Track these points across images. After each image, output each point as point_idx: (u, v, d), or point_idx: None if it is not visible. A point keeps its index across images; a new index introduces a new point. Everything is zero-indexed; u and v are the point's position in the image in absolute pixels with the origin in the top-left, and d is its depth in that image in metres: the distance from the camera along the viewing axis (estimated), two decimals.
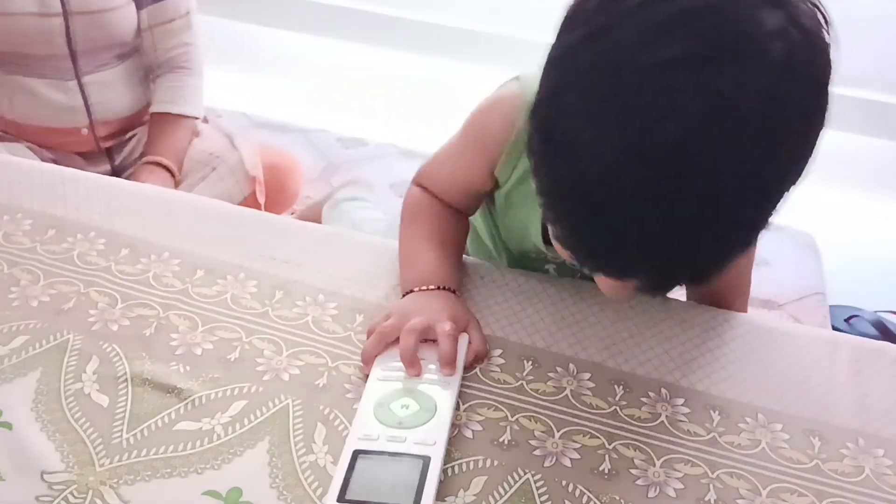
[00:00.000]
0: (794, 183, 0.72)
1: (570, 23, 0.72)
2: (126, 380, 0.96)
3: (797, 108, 0.68)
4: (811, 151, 0.71)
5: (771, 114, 0.65)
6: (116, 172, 1.82)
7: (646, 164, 0.65)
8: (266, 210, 1.80)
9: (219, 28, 2.94)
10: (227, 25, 2.97)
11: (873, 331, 1.85)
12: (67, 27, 1.65)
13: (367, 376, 0.95)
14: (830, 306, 1.97)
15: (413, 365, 0.94)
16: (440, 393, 0.93)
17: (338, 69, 2.82)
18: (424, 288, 1.03)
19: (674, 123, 0.64)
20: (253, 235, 1.19)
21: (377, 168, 2.25)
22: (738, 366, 1.03)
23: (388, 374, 0.95)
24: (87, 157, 1.79)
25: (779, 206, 0.72)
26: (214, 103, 2.48)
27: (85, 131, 1.77)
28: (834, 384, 1.02)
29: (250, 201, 1.77)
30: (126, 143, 1.85)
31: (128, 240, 1.16)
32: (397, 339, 0.97)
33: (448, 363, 0.95)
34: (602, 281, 0.83)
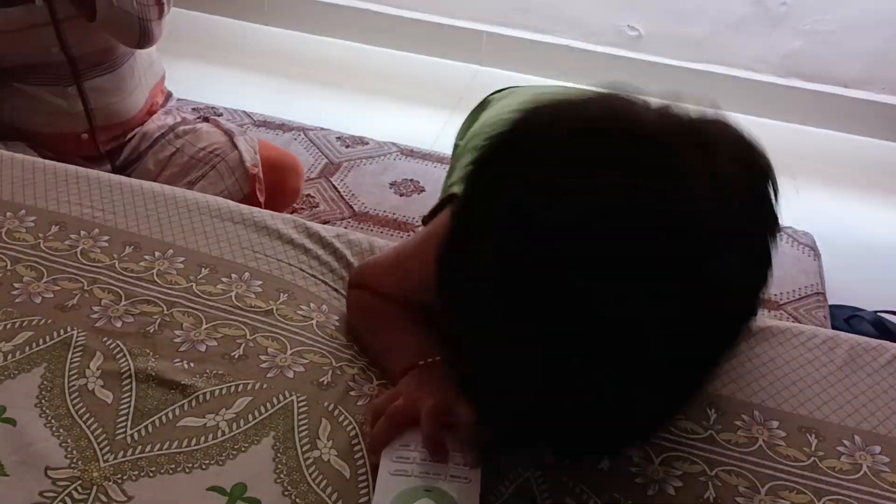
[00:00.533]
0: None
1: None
2: (130, 376, 0.97)
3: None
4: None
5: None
6: (118, 172, 1.82)
7: None
8: (266, 208, 1.80)
9: (219, 25, 2.95)
10: (228, 23, 2.97)
11: (873, 331, 1.85)
12: (59, 34, 1.65)
13: (376, 466, 0.85)
14: (830, 306, 1.97)
15: (439, 451, 0.84)
16: (462, 490, 0.81)
17: (339, 67, 2.83)
18: (430, 360, 0.93)
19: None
20: (257, 236, 1.20)
21: (378, 166, 2.26)
22: (734, 363, 1.04)
23: (400, 465, 0.83)
24: (88, 160, 1.79)
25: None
26: (214, 101, 2.50)
27: (85, 136, 1.77)
28: (830, 382, 1.03)
29: (251, 199, 1.77)
30: (126, 144, 1.85)
31: (131, 237, 1.17)
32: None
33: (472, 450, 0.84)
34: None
